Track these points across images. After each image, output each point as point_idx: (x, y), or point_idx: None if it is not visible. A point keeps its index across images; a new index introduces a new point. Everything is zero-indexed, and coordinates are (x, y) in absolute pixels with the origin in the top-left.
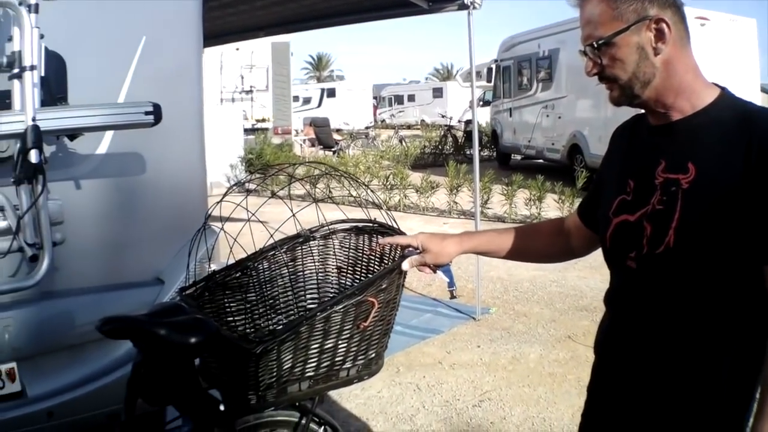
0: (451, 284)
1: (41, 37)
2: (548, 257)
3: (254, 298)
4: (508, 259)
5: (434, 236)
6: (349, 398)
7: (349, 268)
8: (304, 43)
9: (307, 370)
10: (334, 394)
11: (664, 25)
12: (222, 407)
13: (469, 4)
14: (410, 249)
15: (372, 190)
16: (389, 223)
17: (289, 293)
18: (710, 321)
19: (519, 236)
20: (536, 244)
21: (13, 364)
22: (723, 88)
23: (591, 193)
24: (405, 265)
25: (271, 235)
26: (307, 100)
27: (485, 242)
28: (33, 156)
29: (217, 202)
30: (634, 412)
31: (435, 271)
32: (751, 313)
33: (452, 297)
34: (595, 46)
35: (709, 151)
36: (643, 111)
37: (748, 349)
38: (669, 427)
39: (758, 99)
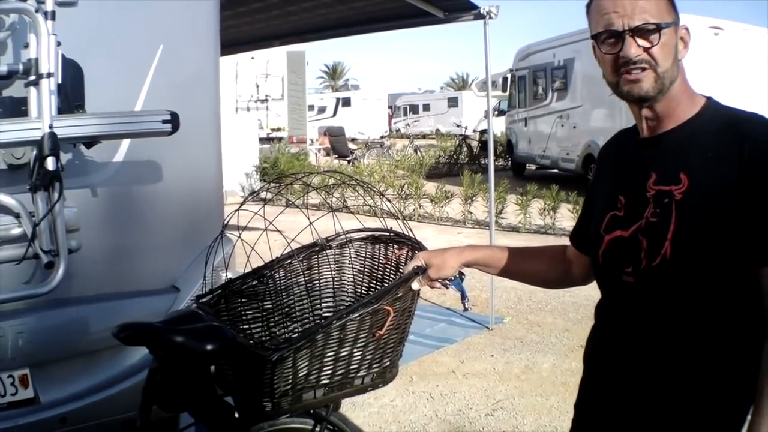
0: (463, 297)
1: (58, 44)
2: (547, 282)
3: (270, 306)
4: (507, 278)
5: (435, 251)
6: (363, 407)
7: (365, 276)
8: (320, 53)
9: (322, 378)
10: (347, 402)
11: (688, 36)
12: (237, 414)
13: (485, 13)
14: (417, 267)
15: (388, 199)
16: (405, 232)
17: (305, 301)
18: (709, 330)
19: (521, 257)
20: (537, 267)
21: (27, 371)
22: (708, 97)
23: (581, 219)
24: (415, 285)
25: (288, 244)
26: (322, 110)
27: (487, 257)
28: (50, 163)
29: (235, 211)
30: (630, 424)
31: (447, 287)
32: (748, 319)
33: (465, 310)
34: (663, 25)
35: (701, 161)
36: (626, 128)
37: (746, 356)
38: None
39: None
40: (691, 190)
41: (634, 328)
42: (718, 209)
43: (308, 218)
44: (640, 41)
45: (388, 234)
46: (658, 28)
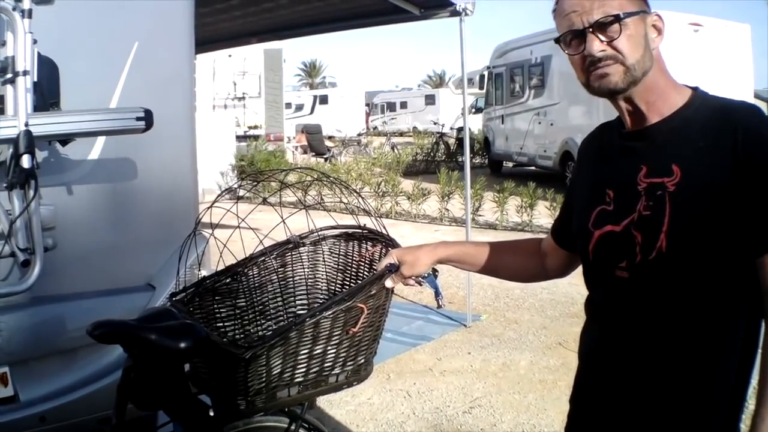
0: (437, 294)
1: (34, 42)
2: (522, 277)
3: (244, 303)
4: (482, 274)
5: (408, 248)
6: (340, 405)
7: (339, 274)
8: (297, 50)
9: (296, 376)
10: (324, 400)
11: (661, 23)
12: (211, 412)
13: (461, 10)
14: (390, 265)
15: (362, 197)
16: (379, 230)
17: (279, 299)
18: (708, 322)
19: (495, 252)
20: (511, 262)
21: (6, 369)
22: (694, 88)
23: (563, 213)
24: (388, 282)
25: (261, 241)
26: (299, 107)
27: (460, 253)
28: (25, 161)
29: (207, 208)
30: (628, 420)
31: (420, 284)
32: (746, 308)
33: (439, 306)
34: (622, 16)
35: (693, 151)
36: (609, 121)
37: (744, 344)
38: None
39: None
40: (684, 181)
41: (632, 323)
42: (714, 199)
43: (281, 215)
44: (602, 36)
45: (361, 231)
46: (618, 19)
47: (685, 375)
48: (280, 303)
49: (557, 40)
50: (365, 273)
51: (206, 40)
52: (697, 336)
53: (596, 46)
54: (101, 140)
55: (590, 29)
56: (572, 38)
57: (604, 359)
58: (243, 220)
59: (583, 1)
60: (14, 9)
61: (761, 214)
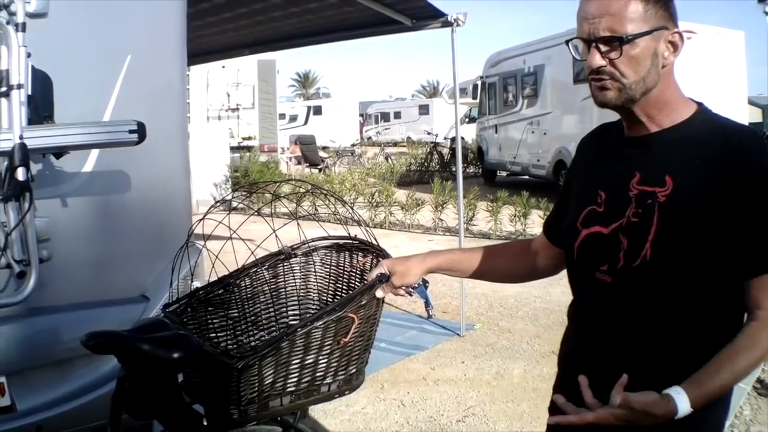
0: (427, 304)
1: (28, 56)
2: (513, 277)
3: (237, 314)
4: (473, 278)
5: (398, 258)
6: (334, 414)
7: (330, 284)
8: (291, 61)
9: (288, 385)
10: (318, 410)
11: (679, 40)
12: (205, 422)
13: (452, 21)
14: (380, 275)
15: (352, 207)
16: (369, 240)
17: (271, 309)
18: (687, 333)
19: (484, 256)
20: (501, 263)
21: (3, 379)
22: (700, 104)
23: (556, 209)
24: (379, 293)
25: (252, 252)
26: (293, 118)
27: (450, 261)
28: (20, 174)
29: (199, 220)
30: (605, 427)
31: (410, 294)
32: (727, 324)
33: (429, 317)
34: (625, 39)
35: (687, 166)
36: (611, 121)
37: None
38: None
39: (745, 111)
40: (675, 193)
41: (610, 329)
42: (701, 215)
43: (272, 227)
44: (605, 52)
45: (352, 242)
46: (621, 42)
47: (662, 384)
48: (272, 313)
49: (568, 42)
50: (356, 283)
51: (199, 52)
52: (675, 346)
53: (596, 60)
54: (95, 153)
55: (594, 43)
56: (582, 44)
57: (581, 364)
58: (234, 231)
59: (593, 10)
60: (8, 23)
61: (750, 238)
